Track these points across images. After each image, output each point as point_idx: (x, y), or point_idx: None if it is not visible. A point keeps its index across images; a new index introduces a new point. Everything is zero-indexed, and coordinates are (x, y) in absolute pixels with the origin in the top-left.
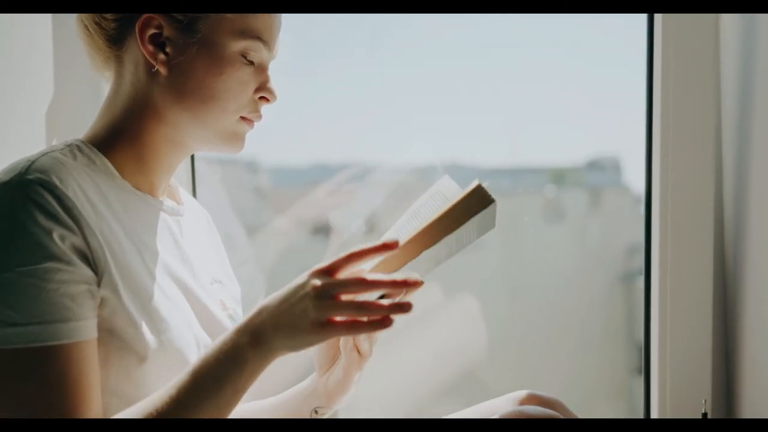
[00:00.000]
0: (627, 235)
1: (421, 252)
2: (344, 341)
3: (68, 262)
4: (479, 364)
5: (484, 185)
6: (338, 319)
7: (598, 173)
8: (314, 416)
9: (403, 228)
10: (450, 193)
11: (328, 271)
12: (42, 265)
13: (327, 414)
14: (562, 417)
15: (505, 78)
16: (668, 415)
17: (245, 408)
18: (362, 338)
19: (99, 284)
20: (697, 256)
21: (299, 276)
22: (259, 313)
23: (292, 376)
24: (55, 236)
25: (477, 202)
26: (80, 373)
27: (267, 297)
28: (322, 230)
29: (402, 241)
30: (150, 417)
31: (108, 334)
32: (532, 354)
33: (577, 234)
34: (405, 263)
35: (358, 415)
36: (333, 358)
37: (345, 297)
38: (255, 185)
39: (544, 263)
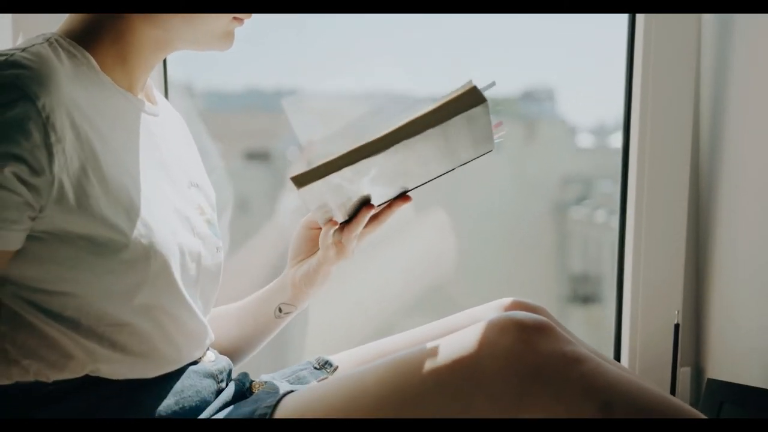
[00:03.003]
0: (561, 165)
1: (398, 141)
2: (323, 236)
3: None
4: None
5: (479, 87)
6: None
7: (533, 104)
8: (278, 315)
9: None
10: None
11: None
12: None
13: (292, 314)
14: (551, 322)
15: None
16: (640, 328)
17: (213, 311)
18: (352, 236)
19: (60, 200)
20: (673, 178)
21: None
22: None
23: None
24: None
25: (465, 101)
26: None
27: None
28: (257, 156)
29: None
30: None
31: (88, 242)
32: (466, 281)
33: (513, 164)
34: (376, 153)
35: (329, 332)
36: (309, 251)
37: None
38: (189, 108)
39: (480, 193)
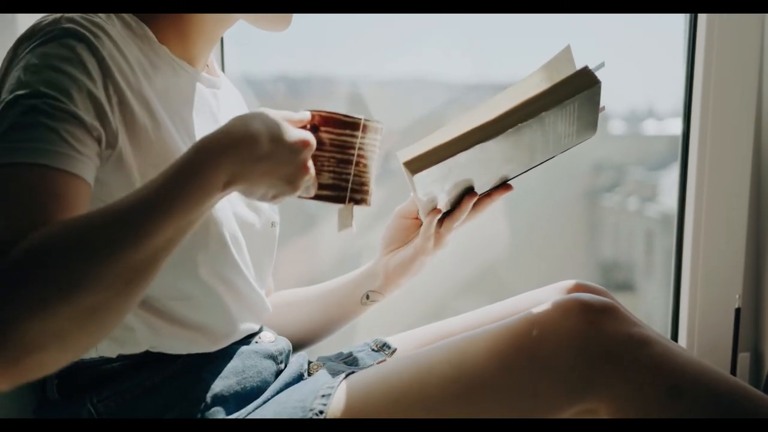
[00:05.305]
0: (592, 152)
1: (514, 125)
2: (427, 226)
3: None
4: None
5: (591, 67)
6: None
7: None
8: (364, 302)
9: (502, 101)
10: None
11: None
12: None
13: (377, 301)
14: (617, 303)
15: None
16: (698, 312)
17: (290, 295)
18: (454, 226)
19: (117, 155)
20: (735, 164)
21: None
22: (242, 158)
23: None
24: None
25: (580, 83)
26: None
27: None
28: None
29: (495, 114)
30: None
31: None
32: (497, 266)
33: None
34: (492, 137)
35: (379, 314)
36: (402, 241)
37: None
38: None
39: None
